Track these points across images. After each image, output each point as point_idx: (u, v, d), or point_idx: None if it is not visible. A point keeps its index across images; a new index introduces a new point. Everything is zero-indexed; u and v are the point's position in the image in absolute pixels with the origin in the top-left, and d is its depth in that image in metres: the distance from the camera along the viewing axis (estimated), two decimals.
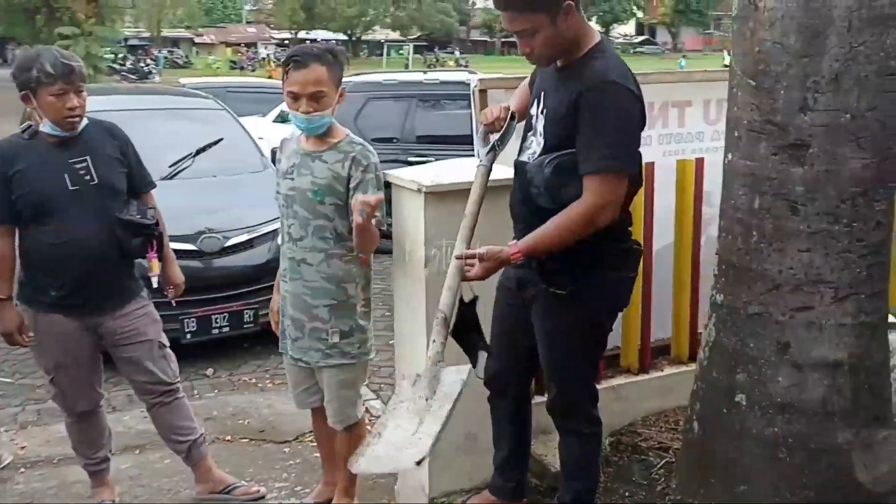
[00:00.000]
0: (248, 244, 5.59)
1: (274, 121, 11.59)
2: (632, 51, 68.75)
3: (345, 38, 67.91)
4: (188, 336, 5.28)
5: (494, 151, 2.59)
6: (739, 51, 2.55)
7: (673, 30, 72.24)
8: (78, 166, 3.11)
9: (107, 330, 3.23)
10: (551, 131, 2.45)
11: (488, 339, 2.74)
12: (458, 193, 2.73)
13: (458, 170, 2.93)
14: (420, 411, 2.18)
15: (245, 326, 5.52)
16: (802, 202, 2.45)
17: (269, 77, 27.80)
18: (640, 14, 73.51)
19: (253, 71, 44.80)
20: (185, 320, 5.26)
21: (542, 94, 2.53)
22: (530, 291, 2.57)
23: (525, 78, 2.85)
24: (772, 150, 2.47)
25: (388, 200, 2.88)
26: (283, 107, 11.69)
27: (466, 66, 42.01)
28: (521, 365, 2.77)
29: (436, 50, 60.75)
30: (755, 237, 2.55)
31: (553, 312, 2.47)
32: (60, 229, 3.06)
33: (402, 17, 64.46)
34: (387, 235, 2.92)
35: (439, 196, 2.80)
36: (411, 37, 66.02)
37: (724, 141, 2.72)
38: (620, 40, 75.17)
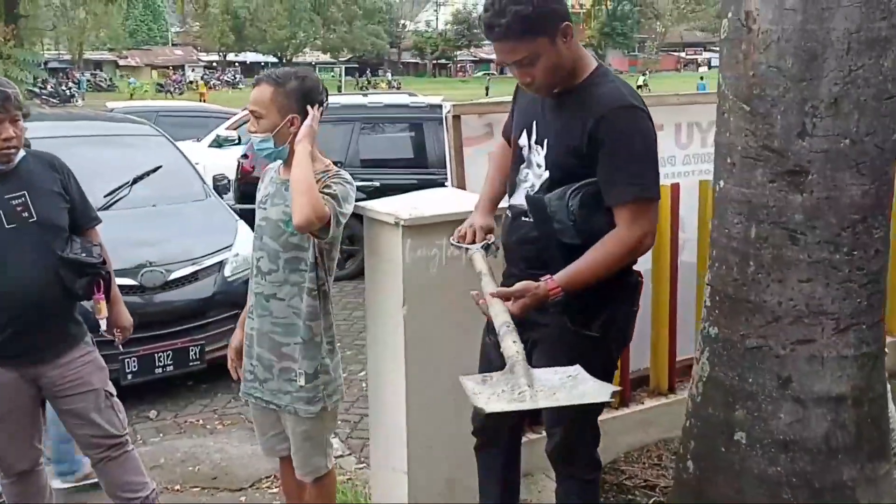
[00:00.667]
0: (192, 277, 5.28)
1: (210, 146, 11.26)
2: None
3: (275, 60, 67.38)
4: (129, 377, 4.94)
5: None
6: (731, 74, 2.46)
7: (600, 52, 73.66)
8: (15, 202, 2.83)
9: (48, 380, 2.93)
10: (558, 162, 2.29)
11: None
12: (439, 227, 2.56)
13: (438, 201, 2.75)
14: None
15: (191, 364, 5.20)
16: (802, 231, 2.36)
17: (202, 100, 27.18)
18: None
19: (181, 94, 43.90)
20: (126, 360, 4.92)
21: (534, 123, 2.37)
22: (535, 333, 2.39)
23: (500, 110, 2.69)
24: (769, 176, 2.38)
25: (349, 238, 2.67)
26: (220, 131, 11.42)
27: (398, 88, 42.09)
28: (515, 413, 2.59)
29: (367, 72, 60.68)
30: (752, 267, 2.45)
31: (567, 353, 2.30)
32: None
33: (333, 39, 64.19)
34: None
35: (418, 230, 2.61)
36: (342, 59, 65.88)
37: (695, 165, 2.61)
38: None
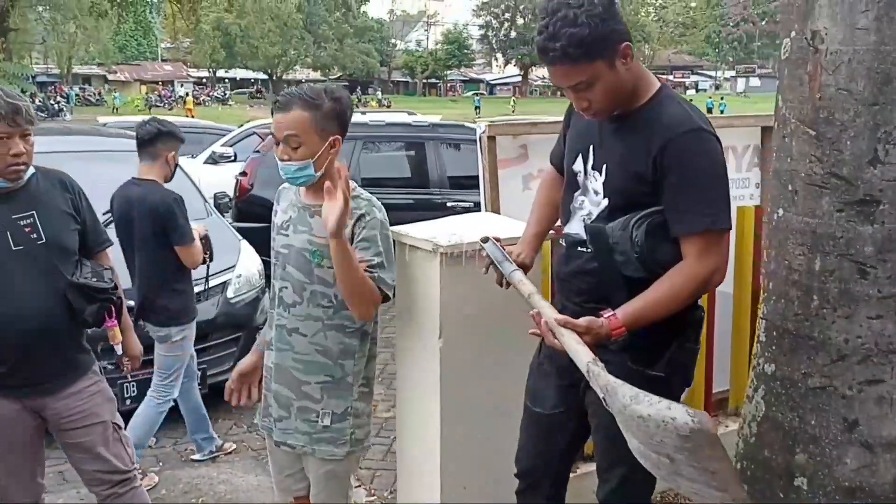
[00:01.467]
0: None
1: (205, 162, 11.08)
2: (549, 93, 70.27)
3: (265, 77, 67.37)
4: (128, 402, 4.71)
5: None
6: (793, 97, 2.32)
7: None
8: (23, 223, 2.65)
9: (53, 412, 2.74)
10: (619, 189, 2.13)
11: (521, 424, 2.41)
12: (478, 254, 2.39)
13: (476, 227, 2.58)
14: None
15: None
16: (872, 264, 2.21)
17: (189, 116, 26.96)
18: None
19: (170, 109, 43.66)
20: (125, 385, 4.70)
21: (591, 148, 2.21)
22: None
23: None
24: (836, 206, 2.24)
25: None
26: (215, 148, 11.25)
27: (389, 107, 42.03)
28: (561, 457, 2.42)
29: (358, 90, 60.67)
30: (816, 302, 2.30)
31: None
32: (1, 296, 2.59)
33: (324, 56, 64.22)
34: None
35: (458, 257, 2.45)
36: (332, 77, 65.89)
37: (732, 191, 2.45)
38: (538, 82, 76.76)
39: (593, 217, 2.18)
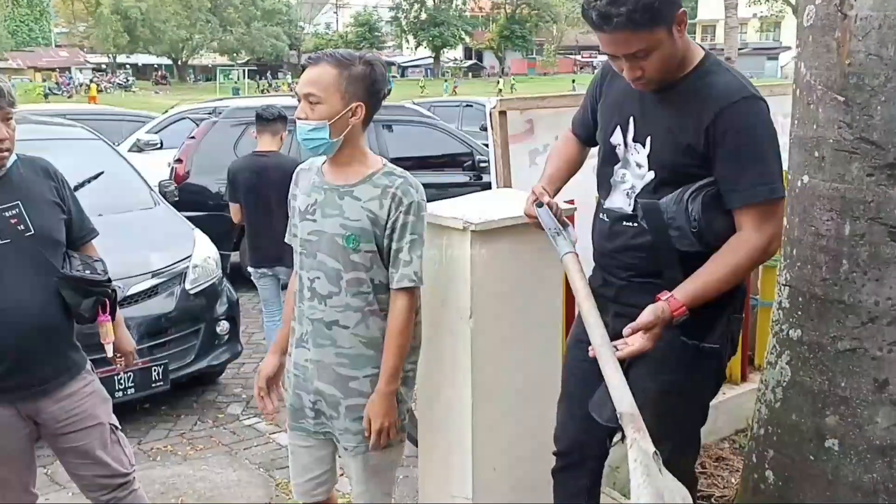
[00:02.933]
0: (151, 291, 4.85)
1: (129, 150, 10.60)
2: (460, 75, 70.48)
3: (169, 62, 65.17)
4: (119, 394, 4.49)
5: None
6: (819, 63, 2.34)
7: (500, 54, 74.56)
8: (8, 214, 2.45)
9: (48, 416, 2.56)
10: (667, 162, 2.09)
11: (559, 400, 2.37)
12: (508, 231, 2.34)
13: (505, 203, 2.51)
14: None
15: (154, 386, 4.76)
16: None
17: (93, 103, 25.72)
18: (467, 39, 75.29)
19: (69, 97, 41.67)
20: (116, 378, 4.47)
21: (631, 119, 2.15)
22: None
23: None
24: (866, 170, 2.27)
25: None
26: (140, 135, 10.83)
27: None
28: (603, 434, 2.39)
29: (268, 75, 59.34)
30: (846, 266, 2.34)
31: (677, 369, 2.11)
32: None
33: (231, 40, 62.48)
34: None
35: (488, 235, 2.38)
36: (240, 61, 64.28)
37: None
38: (450, 64, 76.77)
39: (637, 190, 2.14)
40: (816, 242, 2.39)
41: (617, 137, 2.19)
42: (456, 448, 2.38)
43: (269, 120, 5.10)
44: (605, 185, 2.25)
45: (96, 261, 2.68)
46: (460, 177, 8.36)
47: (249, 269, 5.22)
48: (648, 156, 2.11)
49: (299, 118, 2.24)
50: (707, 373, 2.12)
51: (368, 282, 2.29)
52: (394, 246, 2.26)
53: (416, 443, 3.67)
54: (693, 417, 2.24)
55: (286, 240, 2.49)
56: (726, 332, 2.16)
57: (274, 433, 4.63)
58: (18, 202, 2.48)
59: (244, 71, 52.56)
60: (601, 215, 2.26)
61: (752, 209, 2.01)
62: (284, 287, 4.73)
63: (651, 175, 2.11)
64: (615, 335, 2.20)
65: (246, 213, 5.06)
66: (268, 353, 2.62)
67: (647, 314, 1.99)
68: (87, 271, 2.59)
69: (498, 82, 48.16)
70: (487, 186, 8.40)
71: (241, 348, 5.41)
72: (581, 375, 2.32)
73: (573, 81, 45.59)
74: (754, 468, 2.64)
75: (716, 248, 2.04)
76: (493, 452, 2.55)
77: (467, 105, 14.54)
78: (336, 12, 76.81)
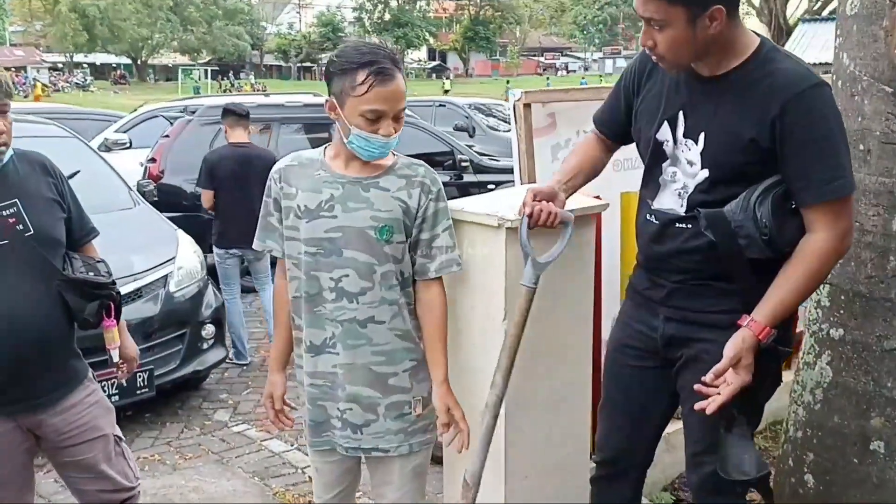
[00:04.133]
0: (135, 295, 4.63)
1: (98, 148, 10.32)
2: (424, 76, 70.40)
3: (128, 61, 64.13)
4: (114, 398, 4.30)
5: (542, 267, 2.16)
6: (865, 54, 2.26)
7: (464, 56, 74.63)
8: (6, 213, 2.28)
9: (50, 429, 2.38)
10: (723, 160, 1.96)
11: (600, 408, 2.27)
12: (543, 228, 2.22)
13: None
14: None
15: (139, 393, 4.56)
16: None
17: (38, 102, 25.06)
18: (431, 40, 75.23)
19: (25, 97, 40.76)
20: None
21: (680, 114, 2.03)
22: (686, 350, 2.09)
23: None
24: None
25: None
26: (108, 133, 10.55)
27: (264, 91, 40.90)
28: (649, 441, 2.29)
29: (230, 75, 58.61)
30: (893, 263, 2.27)
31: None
32: None
33: (192, 40, 61.63)
34: None
35: None
36: (202, 61, 63.47)
37: None
38: (414, 65, 76.63)
39: (690, 190, 2.02)
40: (861, 239, 2.32)
41: (664, 133, 2.07)
42: (490, 454, 2.26)
43: (241, 115, 5.71)
44: (651, 183, 2.12)
45: (98, 262, 2.52)
46: (441, 176, 8.26)
47: (217, 249, 5.62)
48: (702, 153, 1.99)
49: (390, 135, 2.11)
50: (768, 375, 2.03)
51: (399, 274, 2.19)
52: (427, 234, 2.19)
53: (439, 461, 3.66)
54: (752, 420, 2.15)
55: (256, 247, 2.33)
56: (786, 331, 2.06)
57: (265, 440, 4.48)
58: (16, 200, 2.31)
59: (206, 71, 51.77)
60: (648, 216, 2.13)
61: (826, 206, 1.89)
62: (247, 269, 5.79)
63: (704, 174, 1.99)
64: (667, 340, 2.11)
65: (222, 199, 5.53)
66: (270, 372, 2.44)
67: (729, 349, 1.90)
68: (91, 273, 2.43)
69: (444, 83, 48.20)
70: (468, 186, 8.41)
71: (227, 352, 5.26)
72: (624, 381, 2.23)
73: (547, 80, 45.66)
74: (791, 472, 2.56)
75: (787, 254, 1.93)
76: (525, 460, 2.44)
77: (440, 105, 14.40)
78: (299, 12, 76.18)
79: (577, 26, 79.60)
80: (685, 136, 2.02)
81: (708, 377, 1.90)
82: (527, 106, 2.65)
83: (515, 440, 2.40)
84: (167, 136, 8.05)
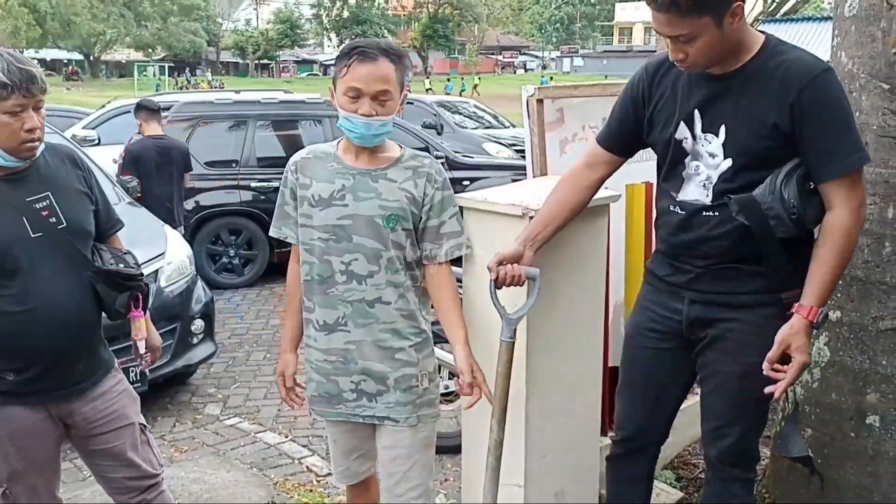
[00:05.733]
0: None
1: None
2: None
3: (80, 57, 62.83)
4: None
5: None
6: (863, 53, 2.42)
7: (423, 54, 74.62)
8: (39, 206, 2.31)
9: (80, 418, 2.43)
10: (746, 148, 2.09)
11: (619, 389, 2.40)
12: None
13: (546, 191, 2.50)
14: None
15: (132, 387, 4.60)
16: None
17: None
18: (390, 38, 75.05)
19: None
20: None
21: (695, 112, 2.15)
22: (710, 331, 2.22)
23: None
24: None
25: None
26: (76, 130, 10.42)
27: (221, 88, 40.45)
28: (667, 419, 2.42)
29: (187, 71, 57.78)
30: (888, 248, 2.43)
31: (761, 352, 2.13)
32: (24, 291, 2.25)
33: (146, 36, 60.60)
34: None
35: None
36: (156, 57, 62.43)
37: None
38: None
39: (714, 180, 2.14)
40: None
41: (682, 132, 2.19)
42: (509, 434, 2.37)
43: (154, 110, 6.67)
44: (674, 178, 2.23)
45: (125, 253, 2.57)
46: None
47: None
48: (724, 144, 2.12)
49: (370, 115, 2.22)
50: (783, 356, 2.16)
51: (403, 259, 2.34)
52: (434, 221, 2.33)
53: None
54: (765, 397, 2.29)
55: (273, 234, 2.48)
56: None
57: (259, 433, 4.53)
58: (48, 193, 2.34)
59: (161, 67, 50.95)
60: (673, 208, 2.24)
61: (848, 179, 2.05)
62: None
63: (728, 163, 2.12)
64: (691, 321, 2.24)
65: (146, 185, 6.35)
66: (283, 351, 2.57)
67: (778, 336, 2.06)
68: (121, 265, 2.48)
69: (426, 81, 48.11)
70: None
71: (216, 347, 5.28)
72: (644, 363, 2.34)
73: (549, 78, 45.55)
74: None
75: (808, 230, 2.09)
76: (544, 440, 2.55)
77: (407, 102, 14.46)
78: (256, 8, 75.41)
79: (535, 25, 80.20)
80: (704, 131, 2.15)
81: (764, 366, 2.06)
82: (539, 101, 2.76)
83: (536, 420, 2.51)
84: (139, 133, 8.01)
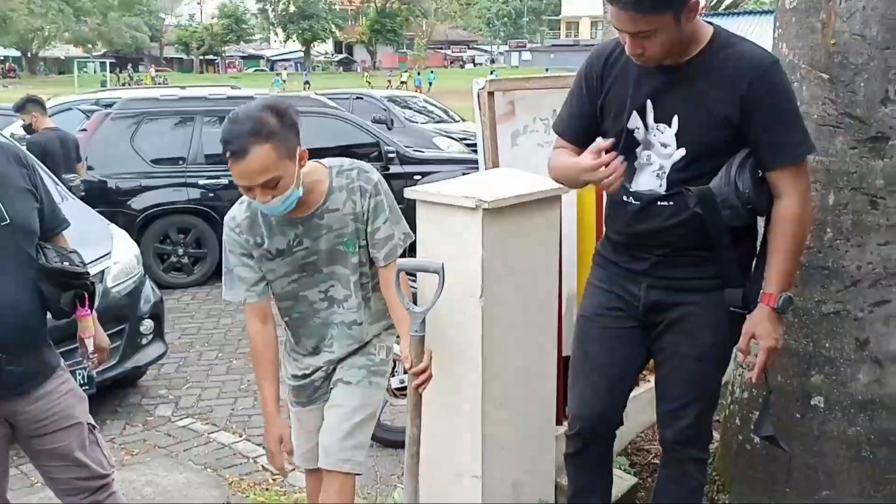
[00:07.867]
0: None
1: None
2: (332, 68, 69.77)
3: (17, 54, 61.12)
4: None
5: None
6: (803, 44, 2.48)
7: (371, 48, 74.24)
8: None
9: (24, 417, 2.38)
10: (699, 138, 2.13)
11: (575, 375, 2.42)
12: (516, 209, 2.35)
13: (514, 181, 2.51)
14: None
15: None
16: (882, 195, 2.43)
17: None
18: (338, 33, 74.50)
19: None
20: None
21: (648, 102, 2.17)
22: (668, 315, 2.25)
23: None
24: (850, 144, 2.43)
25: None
26: (14, 128, 10.17)
27: (165, 83, 39.70)
28: (623, 402, 2.44)
29: (129, 67, 56.59)
30: (830, 234, 2.49)
31: (716, 333, 2.18)
32: None
33: (86, 31, 59.18)
34: None
35: (498, 213, 2.37)
36: (97, 53, 61.07)
37: None
38: (320, 58, 75.81)
39: (667, 170, 2.17)
40: None
41: (634, 121, 2.21)
42: (465, 425, 2.38)
43: (44, 105, 7.36)
44: (626, 169, 2.21)
45: (71, 252, 2.51)
46: None
47: None
48: (677, 134, 2.15)
49: (265, 201, 2.20)
50: (735, 332, 2.22)
51: (367, 273, 2.43)
52: (371, 228, 2.36)
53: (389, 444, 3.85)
54: (720, 378, 2.34)
55: (230, 298, 2.48)
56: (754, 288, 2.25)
57: (213, 433, 4.48)
58: None
59: (102, 63, 49.84)
60: (627, 198, 2.25)
61: (797, 167, 2.12)
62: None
63: (681, 153, 2.15)
64: (649, 306, 2.28)
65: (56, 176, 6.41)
66: (272, 417, 2.51)
67: (744, 329, 2.17)
68: (66, 263, 2.43)
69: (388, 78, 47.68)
70: (394, 177, 8.43)
71: (166, 347, 5.19)
72: (605, 342, 2.35)
73: (491, 73, 45.35)
74: (738, 430, 2.78)
75: (759, 217, 2.17)
76: (500, 429, 2.57)
77: (357, 97, 14.40)
78: (200, 3, 74.15)
79: (483, 20, 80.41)
80: (656, 121, 2.18)
81: (738, 356, 2.14)
82: (490, 94, 2.77)
83: (492, 410, 2.53)
84: (84, 129, 7.83)
